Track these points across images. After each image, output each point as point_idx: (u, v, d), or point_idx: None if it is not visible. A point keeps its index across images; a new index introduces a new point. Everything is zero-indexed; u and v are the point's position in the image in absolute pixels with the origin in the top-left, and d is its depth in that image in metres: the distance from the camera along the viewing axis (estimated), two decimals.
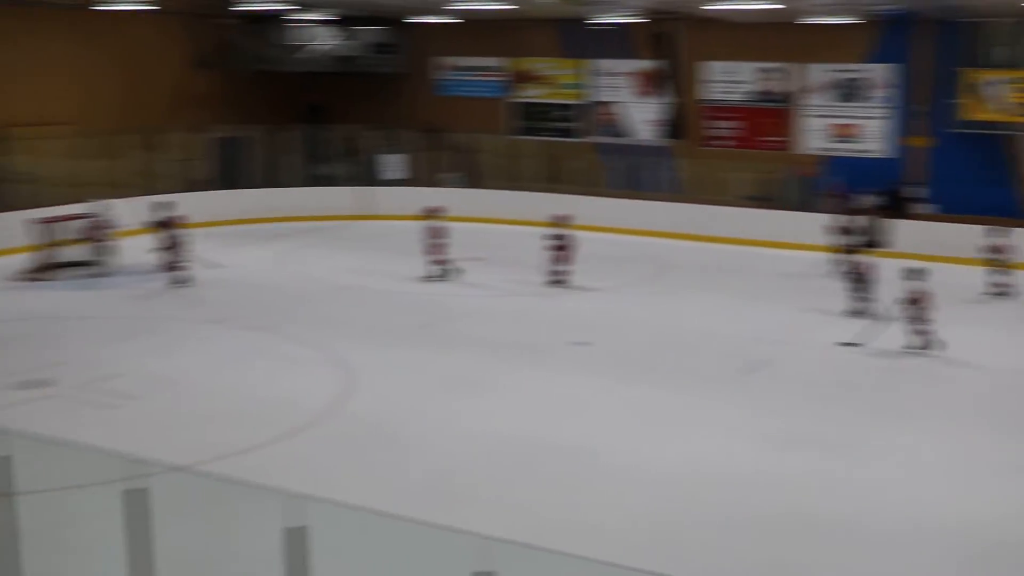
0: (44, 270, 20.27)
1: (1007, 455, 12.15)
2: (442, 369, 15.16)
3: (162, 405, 13.39)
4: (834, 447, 12.35)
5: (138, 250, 21.24)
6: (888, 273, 17.50)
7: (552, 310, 18.86)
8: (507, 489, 11.04)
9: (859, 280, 18.11)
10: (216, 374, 14.68)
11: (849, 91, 26.31)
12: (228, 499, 9.32)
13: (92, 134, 24.83)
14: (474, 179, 29.72)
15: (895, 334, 16.08)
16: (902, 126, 25.76)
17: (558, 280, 20.46)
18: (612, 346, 16.61)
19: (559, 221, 20.64)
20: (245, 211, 26.83)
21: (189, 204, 25.85)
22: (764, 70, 27.27)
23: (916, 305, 15.90)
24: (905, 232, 23.41)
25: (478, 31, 30.06)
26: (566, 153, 29.33)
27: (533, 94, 30.43)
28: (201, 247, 21.24)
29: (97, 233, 20.49)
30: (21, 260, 20.84)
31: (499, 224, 27.27)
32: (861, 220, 22.39)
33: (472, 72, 31.18)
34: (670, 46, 27.81)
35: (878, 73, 25.81)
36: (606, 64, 29.26)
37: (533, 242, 21.27)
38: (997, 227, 20.50)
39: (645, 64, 28.58)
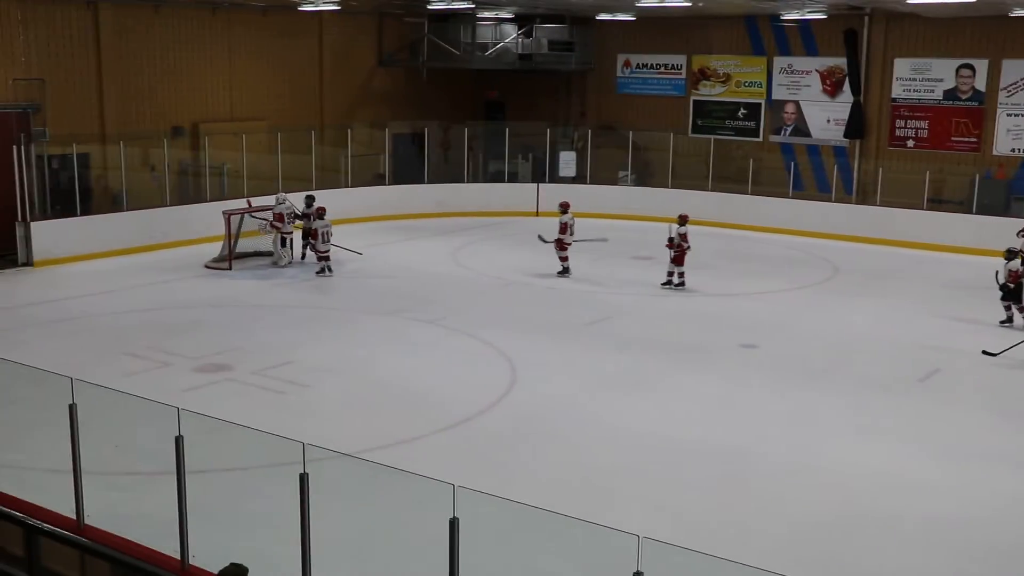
0: (228, 259, 21.13)
1: None
2: (605, 367, 15.03)
3: (330, 393, 13.72)
4: (997, 458, 11.78)
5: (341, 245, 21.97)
6: None
7: (721, 311, 18.47)
8: (662, 489, 10.84)
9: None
10: (383, 364, 14.96)
11: None
12: (390, 487, 9.46)
13: (280, 129, 25.81)
14: (649, 177, 29.43)
15: None
16: None
17: (668, 282, 19.99)
18: (778, 349, 16.18)
19: (682, 219, 20.10)
20: (422, 206, 27.36)
21: (369, 198, 26.82)
22: (959, 67, 25.93)
23: None
24: None
25: (658, 28, 29.74)
26: (745, 152, 28.67)
27: (713, 92, 29.87)
28: (378, 240, 21.73)
29: (277, 225, 21.20)
30: (210, 249, 21.86)
31: (672, 223, 26.85)
32: None
33: (651, 70, 30.85)
34: (859, 42, 26.78)
35: None
36: (791, 61, 28.45)
37: (703, 241, 20.87)
38: None
39: (831, 61, 27.64)
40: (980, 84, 25.65)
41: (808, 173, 28.15)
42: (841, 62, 27.34)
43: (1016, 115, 25.27)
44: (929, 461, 11.78)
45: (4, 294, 18.75)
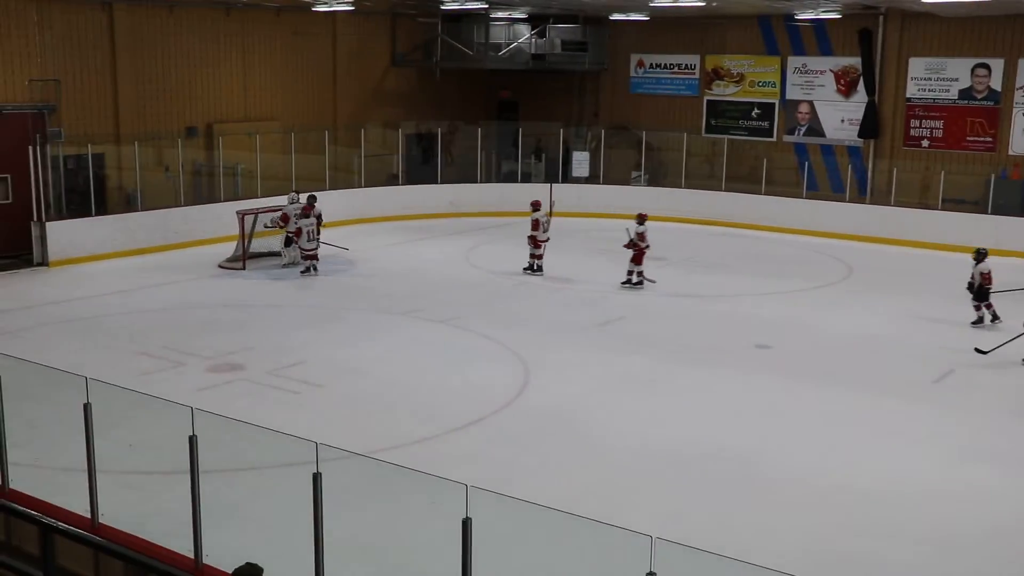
0: (241, 259, 21.18)
1: None
2: (619, 367, 15.02)
3: (343, 393, 13.74)
4: (1015, 461, 11.75)
5: (328, 241, 22.02)
6: None
7: (735, 312, 18.43)
8: (675, 490, 10.84)
9: None
10: (397, 365, 14.97)
11: None
12: (401, 487, 9.48)
13: (293, 130, 25.88)
14: (662, 178, 29.40)
15: None
16: None
17: (628, 280, 20.00)
18: (793, 349, 16.16)
19: (640, 218, 20.12)
20: (435, 206, 27.39)
21: (382, 199, 26.87)
22: (974, 66, 25.81)
23: None
24: None
25: (672, 28, 29.70)
26: (758, 152, 28.60)
27: (726, 92, 29.80)
28: (391, 240, 21.72)
29: (288, 225, 21.19)
30: (223, 249, 21.93)
31: (684, 223, 26.93)
32: None
33: (664, 69, 30.80)
34: (873, 42, 26.69)
35: None
36: (805, 61, 28.37)
37: (716, 242, 20.83)
38: None
39: (845, 61, 27.56)
40: (996, 83, 25.52)
41: (822, 173, 28.06)
42: (855, 62, 27.25)
43: None
44: (944, 463, 11.73)
45: (20, 294, 18.84)
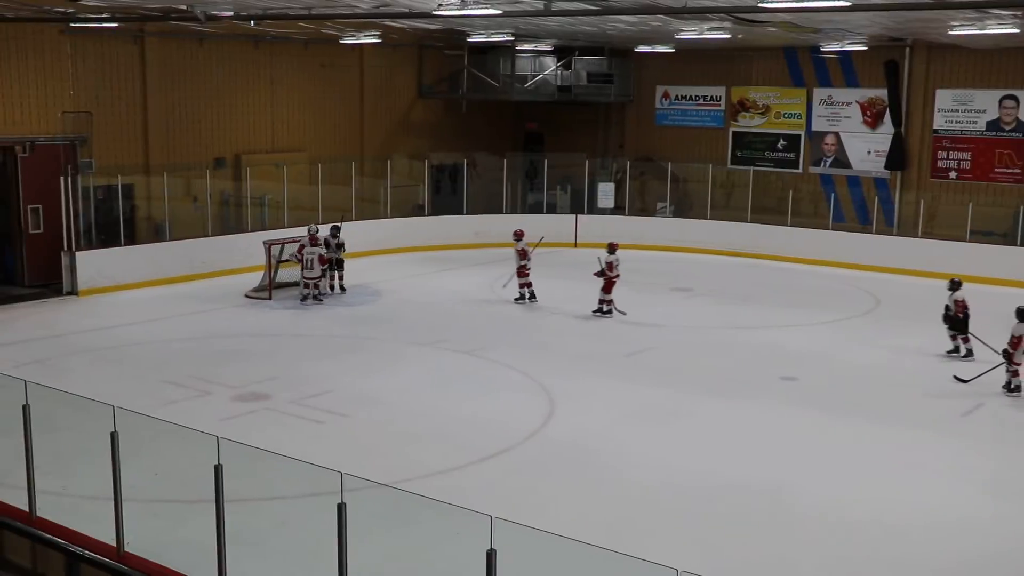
0: (268, 289, 21.29)
1: None
2: (644, 398, 14.96)
3: (368, 422, 13.76)
4: None
5: (354, 273, 22.11)
6: None
7: (760, 343, 18.34)
8: (699, 523, 10.75)
9: None
10: (420, 395, 14.98)
11: None
12: (426, 518, 9.45)
13: (320, 160, 26.07)
14: (687, 209, 29.39)
15: None
16: None
17: (599, 309, 20.00)
18: (819, 382, 16.04)
19: (611, 247, 20.20)
20: (460, 237, 27.46)
21: (408, 229, 26.98)
22: (1002, 97, 25.71)
23: None
24: None
25: (697, 60, 29.77)
26: (784, 184, 28.55)
27: (752, 123, 29.81)
28: (417, 271, 21.75)
29: (298, 257, 21.11)
30: (250, 279, 22.06)
31: (710, 254, 26.88)
32: None
33: (690, 101, 30.87)
34: (900, 74, 26.65)
35: None
36: (831, 92, 28.35)
37: (742, 273, 20.74)
38: None
39: (871, 92, 27.52)
40: None
41: (848, 205, 27.98)
42: (882, 93, 27.21)
43: None
44: (973, 497, 11.59)
45: (49, 322, 19.02)
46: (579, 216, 28.63)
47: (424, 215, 28.28)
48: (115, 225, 22.38)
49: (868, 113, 27.74)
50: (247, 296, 21.33)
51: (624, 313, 19.90)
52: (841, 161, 28.35)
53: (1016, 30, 19.27)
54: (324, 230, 21.70)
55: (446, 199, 29.14)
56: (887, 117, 27.23)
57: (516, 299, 21.10)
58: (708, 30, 21.78)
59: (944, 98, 26.54)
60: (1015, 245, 24.17)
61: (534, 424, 13.71)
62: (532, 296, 21.10)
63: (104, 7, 19.80)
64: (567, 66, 30.10)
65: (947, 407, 14.84)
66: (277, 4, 18.64)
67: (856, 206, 27.92)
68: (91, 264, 21.28)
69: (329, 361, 16.61)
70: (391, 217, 27.29)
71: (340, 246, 21.73)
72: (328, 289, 21.57)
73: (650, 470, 12.18)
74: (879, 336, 19.04)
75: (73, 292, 21.03)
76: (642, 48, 29.23)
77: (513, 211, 29.12)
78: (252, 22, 20.91)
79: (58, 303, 20.59)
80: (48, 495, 9.42)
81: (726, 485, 11.72)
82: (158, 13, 20.16)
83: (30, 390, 9.00)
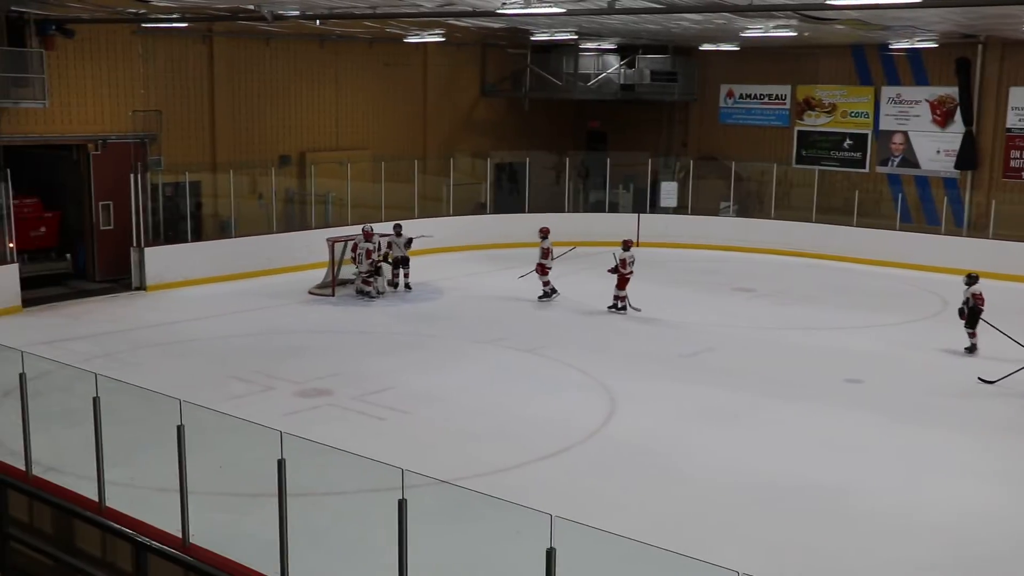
0: (331, 286, 21.49)
1: None
2: (706, 399, 14.85)
3: (429, 419, 13.83)
4: None
5: (416, 271, 22.23)
6: None
7: (825, 345, 18.10)
8: (760, 525, 10.64)
9: None
10: (481, 392, 15.02)
11: None
12: (486, 515, 9.47)
13: (384, 159, 26.24)
14: (751, 208, 29.11)
15: None
16: None
17: (613, 306, 19.90)
18: (884, 385, 15.78)
19: (625, 244, 20.16)
20: (522, 235, 27.41)
21: (469, 227, 27.04)
22: None
23: None
24: None
25: (762, 58, 29.47)
26: (850, 183, 28.15)
27: (818, 122, 29.43)
28: (478, 269, 21.79)
29: (374, 253, 21.30)
30: (314, 276, 22.29)
31: (773, 255, 26.60)
32: None
33: (754, 100, 30.56)
34: (972, 71, 26.13)
35: None
36: (899, 91, 27.89)
37: (806, 274, 20.49)
38: None
39: (941, 91, 27.01)
40: None
41: (916, 205, 27.49)
42: (952, 91, 26.70)
43: None
44: None
45: (119, 317, 19.39)
46: (641, 215, 28.49)
47: (486, 213, 28.33)
48: (182, 222, 22.76)
49: (938, 112, 27.24)
50: (311, 293, 21.55)
51: (639, 310, 19.76)
52: (909, 161, 27.87)
53: None
54: (379, 229, 21.81)
55: (507, 197, 29.15)
56: (957, 116, 26.71)
57: (540, 297, 21.04)
58: (774, 28, 21.56)
59: (1018, 96, 25.94)
60: None
61: (595, 423, 13.68)
62: (547, 295, 21.04)
63: (174, 7, 20.15)
64: (630, 64, 29.96)
65: (1018, 413, 14.51)
66: (342, 3, 18.81)
67: (924, 206, 27.42)
68: (159, 260, 21.66)
69: (391, 358, 16.72)
70: (453, 215, 27.38)
71: (408, 243, 21.80)
72: (388, 287, 21.69)
73: (712, 471, 12.09)
74: (946, 339, 18.64)
75: (141, 287, 21.43)
76: (706, 46, 29.00)
77: (575, 210, 29.07)
78: (318, 21, 21.15)
79: (127, 298, 20.98)
80: (117, 486, 9.59)
81: (790, 487, 11.60)
82: (226, 13, 20.47)
83: (100, 383, 9.17)
